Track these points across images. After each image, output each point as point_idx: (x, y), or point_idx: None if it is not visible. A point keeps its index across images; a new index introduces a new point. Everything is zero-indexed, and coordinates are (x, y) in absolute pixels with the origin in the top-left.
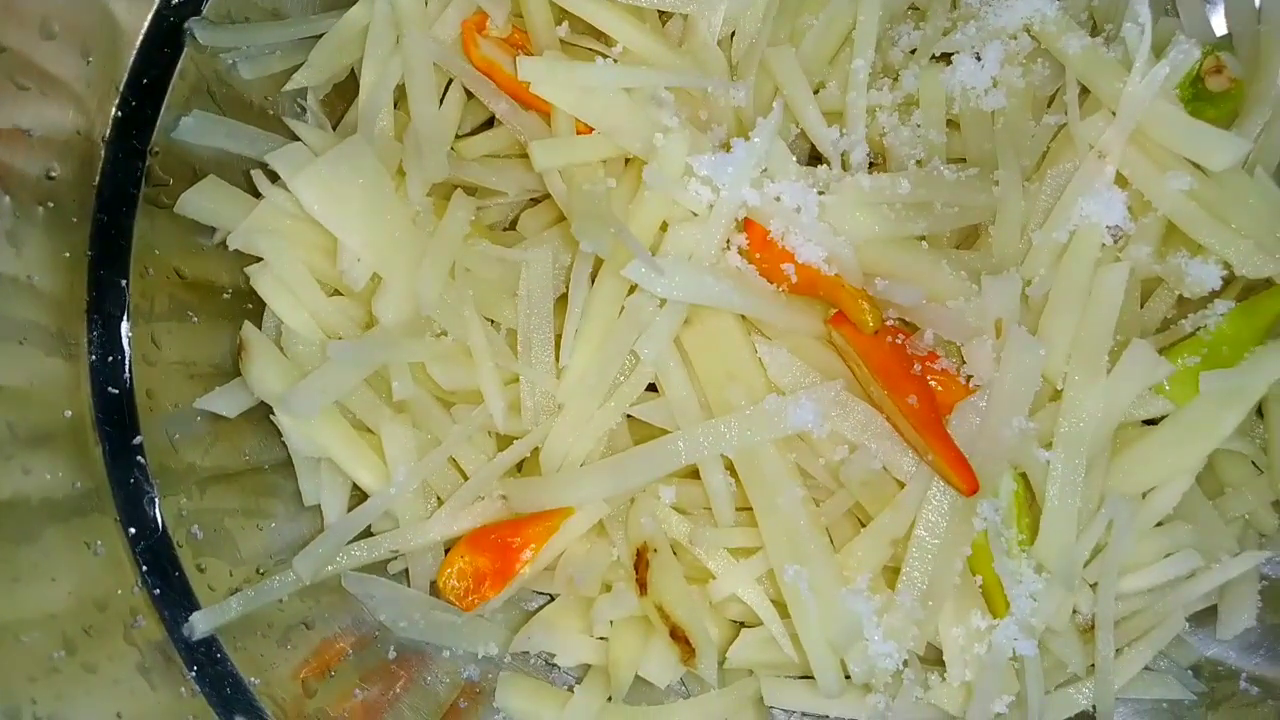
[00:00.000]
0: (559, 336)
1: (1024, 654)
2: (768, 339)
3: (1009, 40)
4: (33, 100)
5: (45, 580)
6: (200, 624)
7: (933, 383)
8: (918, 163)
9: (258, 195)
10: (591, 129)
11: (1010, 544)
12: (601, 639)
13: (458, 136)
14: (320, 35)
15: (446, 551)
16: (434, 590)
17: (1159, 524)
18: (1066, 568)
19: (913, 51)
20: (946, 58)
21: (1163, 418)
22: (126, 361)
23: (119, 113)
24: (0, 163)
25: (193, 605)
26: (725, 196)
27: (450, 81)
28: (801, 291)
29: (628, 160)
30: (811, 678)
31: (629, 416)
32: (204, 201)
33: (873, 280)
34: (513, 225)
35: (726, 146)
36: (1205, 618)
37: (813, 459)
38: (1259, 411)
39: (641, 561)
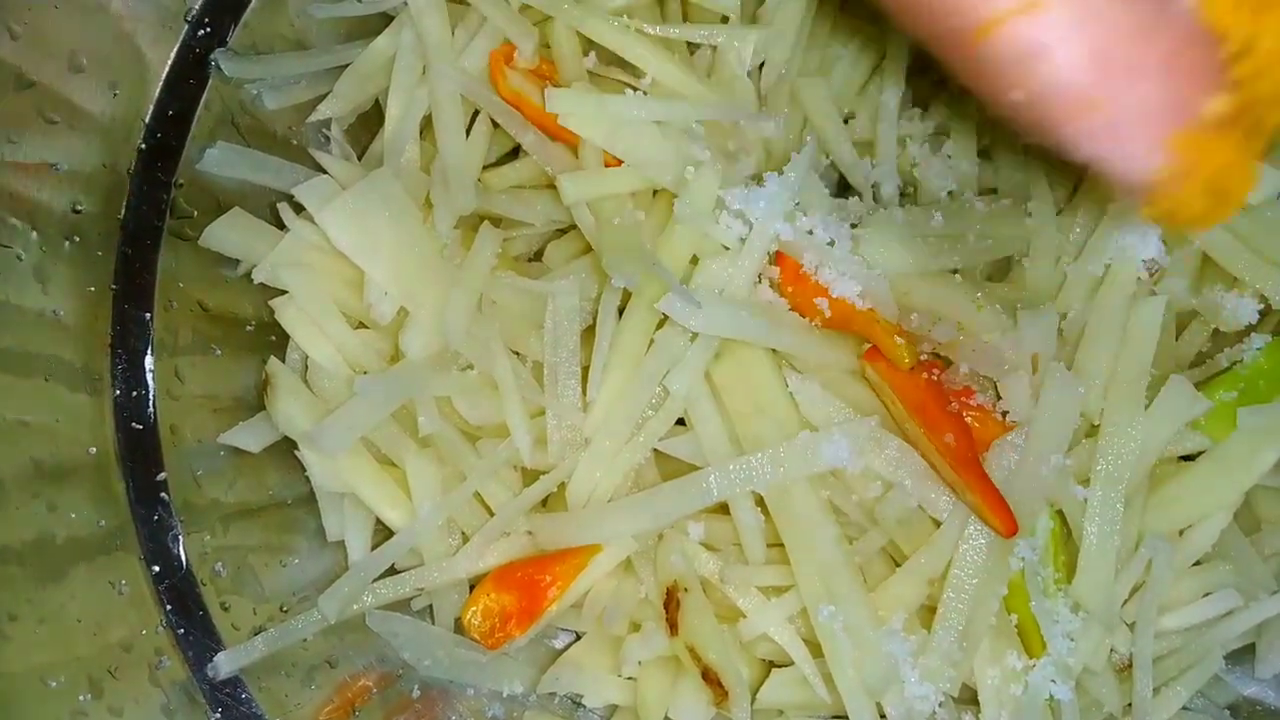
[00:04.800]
0: (586, 369)
1: (1060, 698)
2: (799, 373)
3: None
4: (61, 134)
5: (71, 621)
6: (225, 664)
7: (969, 419)
8: (949, 194)
9: (282, 227)
10: (619, 161)
11: (1046, 583)
12: (630, 679)
13: (484, 167)
14: (345, 65)
15: (471, 588)
16: (458, 627)
17: (1197, 562)
18: (1105, 607)
19: (942, 81)
20: None
21: (1199, 453)
22: (150, 396)
23: (144, 145)
24: (28, 197)
25: (217, 644)
26: (758, 230)
27: (477, 112)
28: (835, 326)
29: (655, 192)
30: (843, 718)
31: (657, 451)
32: (229, 234)
33: (908, 315)
34: (538, 256)
35: (757, 178)
36: (1243, 656)
37: (846, 496)
38: None
39: (672, 601)
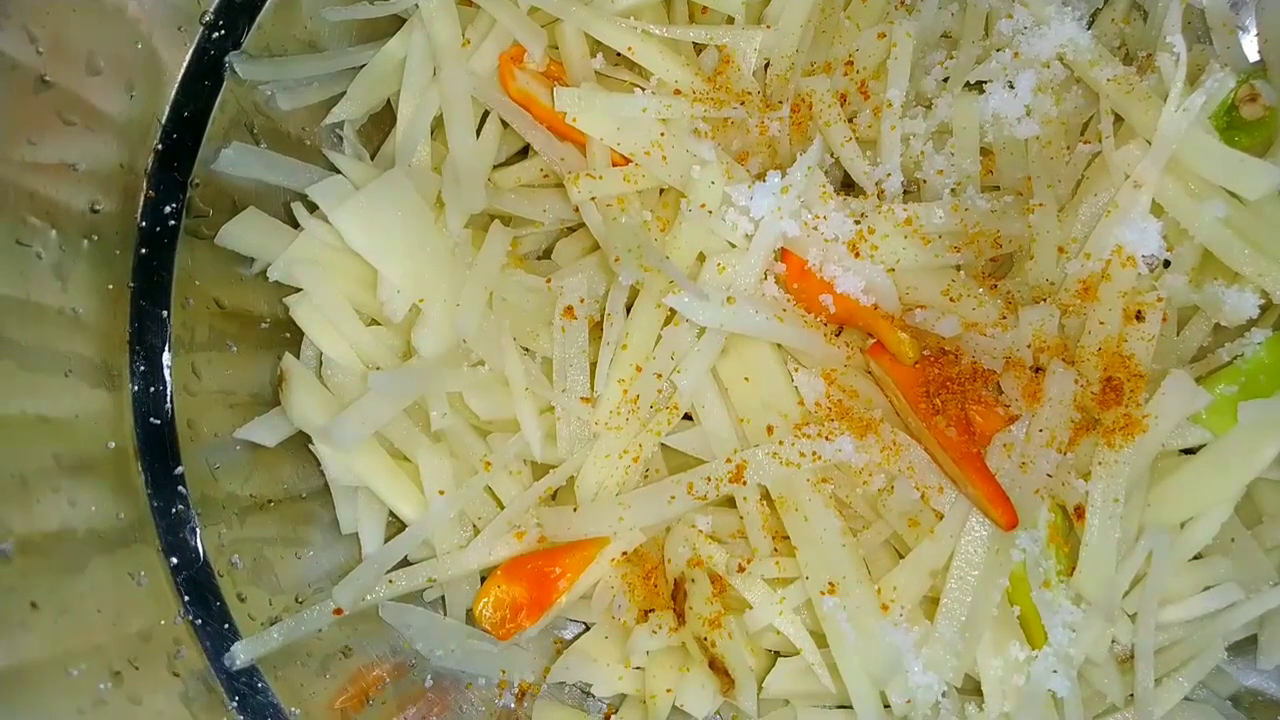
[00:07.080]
0: (594, 365)
1: (1060, 694)
2: (805, 368)
3: (1042, 69)
4: (79, 135)
5: (92, 612)
6: (242, 654)
7: (971, 413)
8: (952, 191)
9: (296, 226)
10: (627, 159)
11: (1048, 574)
12: (638, 669)
13: (494, 167)
14: (357, 67)
15: (483, 580)
16: (470, 618)
17: (1198, 555)
18: (1106, 599)
19: (945, 80)
20: (979, 86)
21: (1201, 447)
22: (168, 392)
23: (160, 146)
24: (48, 197)
25: (234, 635)
26: (763, 227)
27: (487, 113)
28: (839, 321)
29: (662, 191)
30: (848, 707)
31: (664, 445)
32: (244, 233)
33: (911, 310)
34: (548, 254)
35: (761, 176)
36: (1245, 647)
37: (850, 489)
38: None
39: (679, 591)
